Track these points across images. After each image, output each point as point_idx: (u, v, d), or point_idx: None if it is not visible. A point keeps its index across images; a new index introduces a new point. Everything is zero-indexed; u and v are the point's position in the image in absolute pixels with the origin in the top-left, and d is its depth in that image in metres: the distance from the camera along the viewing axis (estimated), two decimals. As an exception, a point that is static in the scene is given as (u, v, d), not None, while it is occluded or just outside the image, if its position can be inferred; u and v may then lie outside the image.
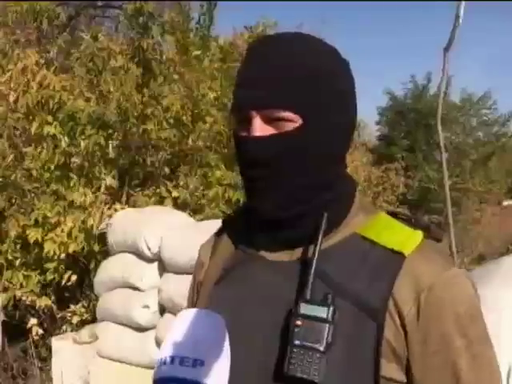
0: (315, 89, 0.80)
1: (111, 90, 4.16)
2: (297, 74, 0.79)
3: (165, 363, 0.78)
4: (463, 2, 3.33)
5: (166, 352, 0.79)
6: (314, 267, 0.78)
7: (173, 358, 0.78)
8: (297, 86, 0.79)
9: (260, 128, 0.80)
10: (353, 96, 0.86)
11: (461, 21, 3.49)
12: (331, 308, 0.75)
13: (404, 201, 11.16)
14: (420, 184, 16.78)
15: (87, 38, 4.42)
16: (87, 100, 4.09)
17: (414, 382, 0.77)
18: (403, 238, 0.80)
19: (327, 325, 0.74)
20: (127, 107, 4.14)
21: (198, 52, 4.89)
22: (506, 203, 16.46)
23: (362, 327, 0.75)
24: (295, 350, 0.74)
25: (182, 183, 4.34)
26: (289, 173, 0.80)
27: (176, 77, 4.65)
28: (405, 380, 0.77)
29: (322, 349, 0.73)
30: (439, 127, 3.26)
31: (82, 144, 3.88)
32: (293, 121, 0.79)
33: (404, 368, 0.77)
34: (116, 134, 4.21)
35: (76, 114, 3.95)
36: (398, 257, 0.78)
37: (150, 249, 3.32)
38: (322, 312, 0.75)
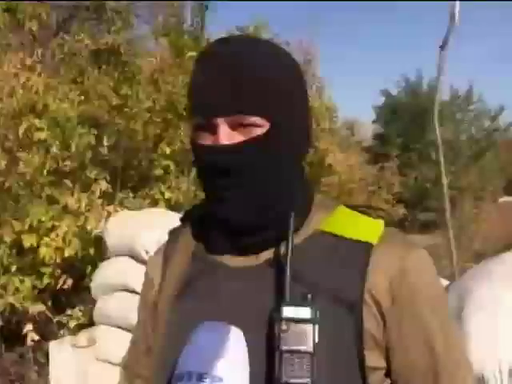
0: (279, 93, 0.79)
1: (94, 87, 4.16)
2: (261, 79, 0.78)
3: (182, 379, 0.75)
4: (457, 2, 3.34)
5: (184, 366, 0.76)
6: (289, 267, 0.76)
7: (190, 374, 0.74)
8: (261, 91, 0.78)
9: (227, 135, 0.77)
10: (307, 99, 0.87)
11: (456, 19, 3.49)
12: (313, 307, 0.74)
13: (400, 199, 11.17)
14: (415, 182, 16.83)
15: (68, 38, 4.43)
16: (71, 102, 4.08)
17: (393, 364, 0.79)
18: (367, 228, 0.81)
19: (312, 325, 0.73)
20: (106, 107, 4.16)
21: (193, 53, 4.88)
22: (502, 200, 16.50)
23: (343, 322, 0.76)
24: (285, 356, 0.73)
25: (174, 184, 4.33)
26: (260, 179, 0.79)
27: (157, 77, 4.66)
28: (385, 365, 0.79)
29: (310, 350, 0.72)
30: (436, 124, 3.25)
31: (73, 146, 3.86)
32: (260, 126, 0.78)
33: (384, 354, 0.78)
34: (106, 133, 4.21)
35: (60, 117, 3.94)
36: (365, 247, 0.79)
37: (147, 252, 3.29)
38: (305, 313, 0.74)
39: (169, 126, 4.62)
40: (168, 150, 4.57)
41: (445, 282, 2.95)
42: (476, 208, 12.20)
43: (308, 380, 0.72)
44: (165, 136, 4.60)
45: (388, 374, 0.80)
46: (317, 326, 0.73)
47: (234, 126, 0.78)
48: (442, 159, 3.29)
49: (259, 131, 0.78)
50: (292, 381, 0.72)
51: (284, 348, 0.73)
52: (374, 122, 20.18)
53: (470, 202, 12.58)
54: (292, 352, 0.72)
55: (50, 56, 5.44)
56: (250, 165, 0.78)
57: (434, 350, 0.78)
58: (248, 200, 0.79)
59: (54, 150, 3.82)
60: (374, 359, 0.77)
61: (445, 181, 3.13)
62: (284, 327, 0.73)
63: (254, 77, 0.78)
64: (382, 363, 0.79)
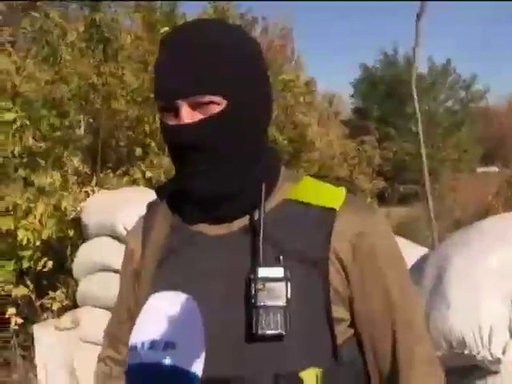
0: (234, 71, 0.85)
1: (68, 65, 4.06)
2: (216, 58, 0.84)
3: (135, 349, 0.79)
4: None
5: (137, 337, 0.80)
6: (262, 231, 0.84)
7: (143, 343, 0.79)
8: (216, 70, 0.84)
9: (189, 115, 0.84)
10: (266, 74, 0.93)
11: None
12: (285, 267, 0.83)
13: (380, 172, 11.25)
14: (395, 155, 16.96)
15: (37, 15, 4.30)
16: (38, 82, 3.98)
17: (356, 314, 0.88)
18: (331, 195, 0.90)
19: (284, 282, 0.82)
20: (85, 87, 4.07)
21: (166, 28, 4.80)
22: (479, 170, 16.72)
23: (312, 279, 0.84)
24: (261, 311, 0.81)
25: (155, 163, 4.30)
26: (224, 152, 0.86)
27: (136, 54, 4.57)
28: (349, 317, 0.88)
29: (284, 305, 0.81)
30: (415, 96, 3.25)
31: (41, 126, 3.80)
32: (218, 104, 0.84)
33: (347, 307, 0.88)
34: (73, 113, 4.13)
35: (32, 97, 3.85)
36: (330, 212, 0.87)
37: (127, 230, 3.27)
38: (278, 272, 0.82)
39: (150, 104, 4.57)
40: (148, 129, 4.54)
41: (425, 250, 2.99)
42: (454, 179, 12.36)
43: (282, 330, 0.81)
44: (146, 115, 4.55)
45: (351, 325, 0.89)
46: (289, 284, 0.82)
47: (194, 106, 0.84)
48: (420, 132, 3.30)
49: (218, 109, 0.84)
50: (268, 332, 0.81)
51: (261, 304, 0.81)
52: (352, 96, 20.21)
53: (449, 172, 12.73)
54: (267, 307, 0.81)
55: (21, 36, 5.29)
56: (211, 140, 0.85)
57: (391, 298, 0.88)
58: (214, 173, 0.86)
59: (22, 128, 3.73)
60: (339, 311, 0.86)
61: (424, 153, 3.14)
62: (260, 286, 0.82)
63: (209, 59, 0.83)
64: (347, 315, 0.88)
